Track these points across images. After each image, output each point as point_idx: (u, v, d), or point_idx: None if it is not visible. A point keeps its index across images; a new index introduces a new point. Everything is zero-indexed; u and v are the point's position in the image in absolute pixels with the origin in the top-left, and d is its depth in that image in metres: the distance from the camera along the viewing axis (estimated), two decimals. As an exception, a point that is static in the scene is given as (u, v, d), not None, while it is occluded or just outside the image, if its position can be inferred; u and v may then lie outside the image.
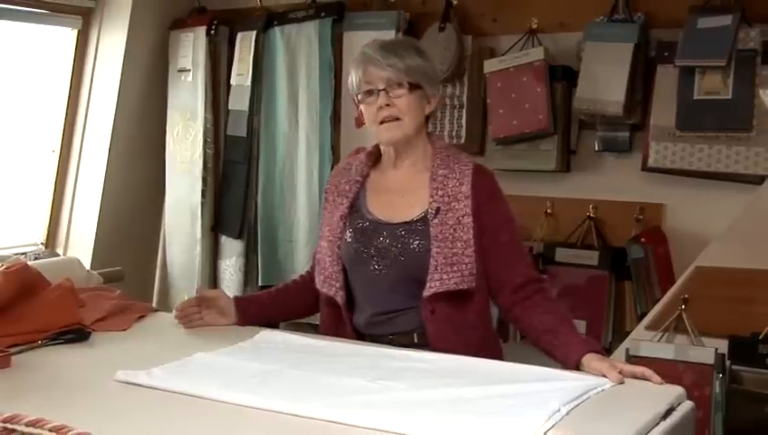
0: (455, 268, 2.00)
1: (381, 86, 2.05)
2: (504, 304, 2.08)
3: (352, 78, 2.12)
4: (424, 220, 2.05)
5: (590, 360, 1.81)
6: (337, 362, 1.83)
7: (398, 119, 2.05)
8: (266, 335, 2.06)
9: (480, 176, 2.09)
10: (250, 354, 1.90)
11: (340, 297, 2.09)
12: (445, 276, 1.99)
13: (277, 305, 2.29)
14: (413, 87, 2.05)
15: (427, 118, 2.14)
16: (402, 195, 2.11)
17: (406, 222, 2.07)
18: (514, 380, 1.70)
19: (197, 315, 2.15)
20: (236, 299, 2.23)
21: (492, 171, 2.16)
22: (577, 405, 1.55)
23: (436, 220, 2.03)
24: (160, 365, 1.76)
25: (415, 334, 2.06)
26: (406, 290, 2.06)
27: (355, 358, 1.86)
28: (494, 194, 2.09)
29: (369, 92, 2.07)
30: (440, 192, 2.05)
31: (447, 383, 1.67)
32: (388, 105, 2.05)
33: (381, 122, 2.06)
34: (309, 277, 2.27)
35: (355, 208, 2.14)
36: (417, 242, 2.04)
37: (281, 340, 2.03)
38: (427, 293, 2.00)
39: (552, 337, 1.94)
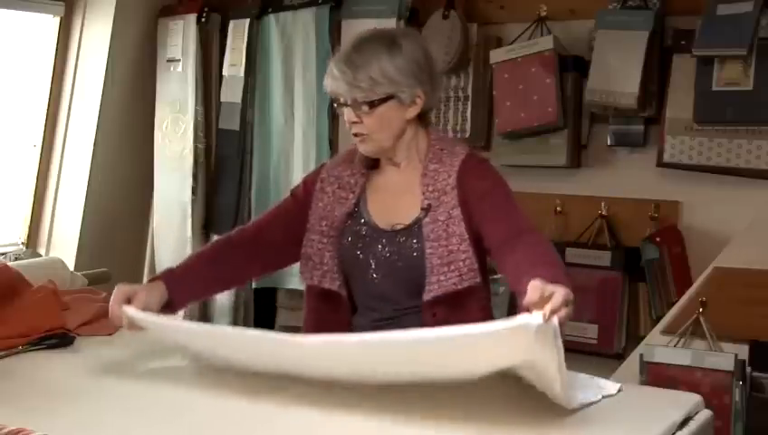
0: (452, 267, 1.97)
1: (348, 102, 2.00)
2: (494, 261, 2.00)
3: None
4: (419, 221, 2.03)
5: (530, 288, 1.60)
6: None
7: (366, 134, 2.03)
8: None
9: (467, 163, 2.04)
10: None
11: (344, 292, 2.08)
12: (442, 278, 1.97)
13: (215, 280, 2.13)
14: (379, 102, 1.98)
15: (422, 115, 2.07)
16: (399, 196, 2.08)
17: (404, 227, 2.05)
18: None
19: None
20: (165, 280, 2.01)
21: (485, 157, 2.11)
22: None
23: (426, 219, 2.01)
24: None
25: None
26: (403, 292, 2.05)
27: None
28: (478, 172, 2.04)
29: (340, 103, 2.04)
30: (431, 188, 2.03)
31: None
32: (355, 122, 2.01)
33: (355, 135, 2.05)
34: (250, 234, 2.15)
35: (357, 208, 2.10)
36: (414, 245, 2.02)
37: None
38: (426, 298, 1.99)
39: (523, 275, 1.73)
